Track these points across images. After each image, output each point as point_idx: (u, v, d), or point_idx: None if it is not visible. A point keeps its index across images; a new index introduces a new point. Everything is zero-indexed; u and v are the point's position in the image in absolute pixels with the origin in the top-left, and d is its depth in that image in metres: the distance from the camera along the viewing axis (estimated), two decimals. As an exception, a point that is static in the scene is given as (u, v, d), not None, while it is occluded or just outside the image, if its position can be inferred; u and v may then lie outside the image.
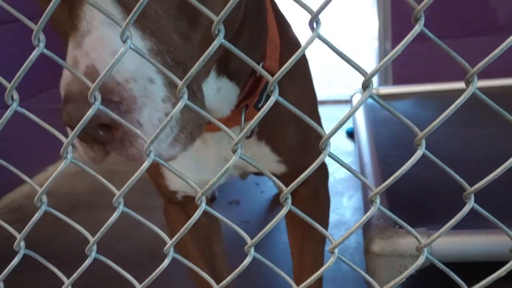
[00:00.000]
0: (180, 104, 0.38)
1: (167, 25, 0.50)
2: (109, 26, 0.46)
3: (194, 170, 0.86)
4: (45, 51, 0.39)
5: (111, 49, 0.44)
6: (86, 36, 0.45)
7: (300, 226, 1.00)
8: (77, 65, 0.45)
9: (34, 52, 0.39)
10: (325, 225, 1.03)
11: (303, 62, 0.91)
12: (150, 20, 0.49)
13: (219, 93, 0.73)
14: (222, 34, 0.36)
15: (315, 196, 0.98)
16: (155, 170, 0.89)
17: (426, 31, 0.36)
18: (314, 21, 0.36)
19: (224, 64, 0.71)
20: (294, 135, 0.87)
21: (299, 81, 0.87)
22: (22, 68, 0.39)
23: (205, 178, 0.84)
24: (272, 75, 0.38)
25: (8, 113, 0.42)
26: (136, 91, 0.45)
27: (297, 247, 1.02)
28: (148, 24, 0.48)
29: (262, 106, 0.63)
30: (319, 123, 0.94)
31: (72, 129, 0.42)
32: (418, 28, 0.35)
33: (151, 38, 0.48)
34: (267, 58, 0.76)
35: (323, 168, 1.02)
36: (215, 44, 0.36)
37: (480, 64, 0.36)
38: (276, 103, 0.38)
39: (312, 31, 0.36)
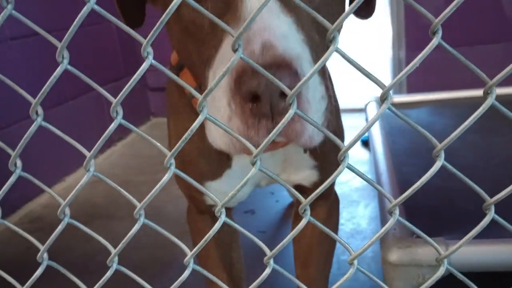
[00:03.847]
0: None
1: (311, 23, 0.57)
2: (269, 12, 0.51)
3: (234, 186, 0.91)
4: (69, 67, 0.40)
5: (280, 31, 0.49)
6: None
7: (309, 238, 1.01)
8: (251, 42, 0.48)
9: (58, 69, 0.40)
10: (335, 241, 1.04)
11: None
12: (302, 18, 0.55)
13: None
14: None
15: (329, 210, 1.00)
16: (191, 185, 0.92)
17: (444, 44, 0.36)
18: (332, 35, 0.36)
19: None
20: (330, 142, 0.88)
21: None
22: (47, 84, 0.40)
23: (245, 191, 0.90)
24: None
25: (33, 128, 0.43)
26: (305, 69, 0.48)
27: (304, 259, 1.04)
28: (301, 21, 0.54)
29: None
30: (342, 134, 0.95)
31: (252, 100, 0.47)
32: (435, 41, 0.36)
33: (302, 31, 0.53)
34: None
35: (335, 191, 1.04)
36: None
37: (499, 75, 0.36)
38: None
39: (330, 45, 0.37)
